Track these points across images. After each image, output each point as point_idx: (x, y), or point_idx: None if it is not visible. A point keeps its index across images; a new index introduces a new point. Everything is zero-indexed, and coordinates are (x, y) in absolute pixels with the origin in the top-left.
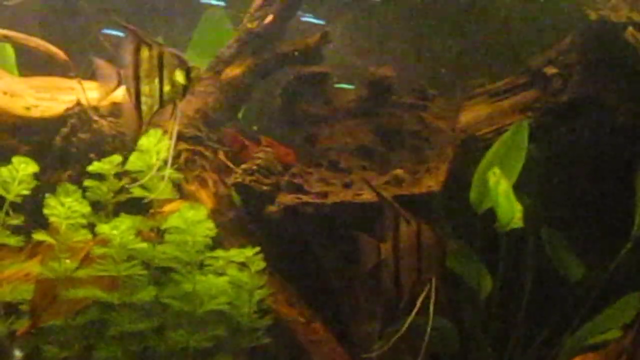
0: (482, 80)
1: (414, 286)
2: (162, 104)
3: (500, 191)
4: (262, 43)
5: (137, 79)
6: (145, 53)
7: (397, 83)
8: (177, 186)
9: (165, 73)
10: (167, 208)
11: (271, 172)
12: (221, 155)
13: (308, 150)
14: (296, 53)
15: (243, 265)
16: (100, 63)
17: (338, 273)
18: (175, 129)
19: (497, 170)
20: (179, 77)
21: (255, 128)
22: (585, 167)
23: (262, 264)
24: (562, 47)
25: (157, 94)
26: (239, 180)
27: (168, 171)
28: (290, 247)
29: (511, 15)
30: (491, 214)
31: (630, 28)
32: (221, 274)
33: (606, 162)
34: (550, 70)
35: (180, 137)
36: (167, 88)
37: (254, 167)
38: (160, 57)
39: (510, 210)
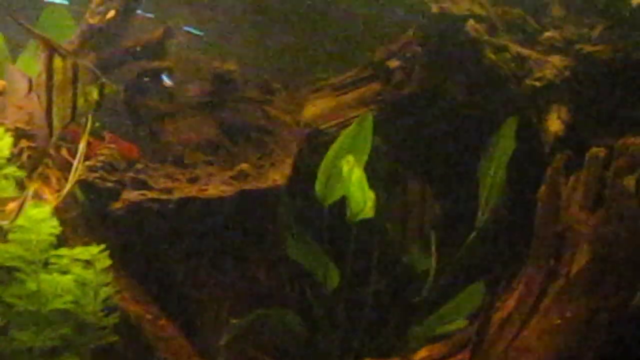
0: (326, 74)
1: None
2: (74, 117)
3: (353, 180)
4: (104, 38)
5: (49, 89)
6: (58, 63)
7: (241, 77)
8: (20, 184)
9: (79, 87)
10: (9, 207)
11: (115, 169)
12: (64, 153)
13: (152, 146)
14: (139, 48)
15: (88, 263)
16: (12, 69)
17: (184, 268)
18: (82, 147)
19: (351, 158)
20: (93, 92)
21: (97, 124)
22: (430, 158)
23: (108, 262)
24: (404, 40)
25: (69, 106)
26: (83, 177)
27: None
28: (136, 243)
29: (355, 8)
30: (339, 206)
31: (471, 21)
32: (66, 273)
33: (450, 153)
34: (393, 64)
35: (23, 135)
36: (80, 101)
37: (98, 164)
38: (75, 70)
39: (363, 200)
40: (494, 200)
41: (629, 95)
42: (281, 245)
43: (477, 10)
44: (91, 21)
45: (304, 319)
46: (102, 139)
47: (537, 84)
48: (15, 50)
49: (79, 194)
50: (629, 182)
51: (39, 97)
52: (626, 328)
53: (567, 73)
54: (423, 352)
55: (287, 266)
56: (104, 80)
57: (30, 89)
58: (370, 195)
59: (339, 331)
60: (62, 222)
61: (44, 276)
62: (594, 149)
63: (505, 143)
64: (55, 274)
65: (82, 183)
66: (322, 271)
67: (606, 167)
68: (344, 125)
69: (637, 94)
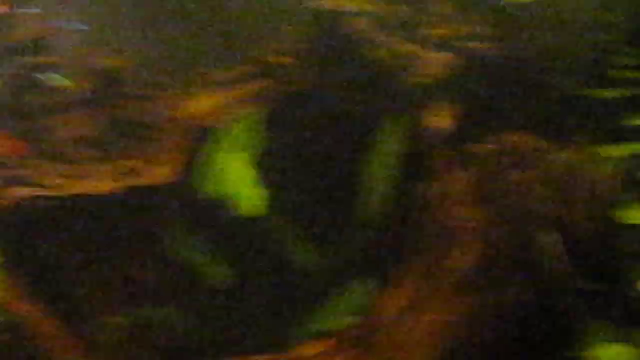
0: (214, 70)
1: None
2: None
3: (243, 177)
4: None
5: None
6: None
7: (129, 73)
8: None
9: None
10: None
11: (2, 166)
12: None
13: (40, 142)
14: (24, 44)
15: None
16: None
17: (71, 266)
18: None
19: (240, 155)
20: None
21: None
22: (315, 154)
23: None
24: (291, 37)
25: None
26: None
27: None
28: (23, 241)
29: (243, 5)
30: (228, 203)
31: (358, 17)
32: None
33: (334, 150)
34: (279, 60)
35: None
36: None
37: None
38: None
39: (253, 196)
40: (378, 197)
41: (515, 93)
42: (169, 242)
43: (365, 6)
44: None
45: (191, 317)
46: None
47: (423, 80)
48: None
49: None
50: (527, 179)
51: None
52: (509, 325)
53: (453, 70)
54: (310, 348)
55: (176, 263)
56: None
57: None
58: (260, 192)
59: (227, 328)
60: None
61: None
62: (480, 146)
63: (389, 140)
64: None
65: None
66: (211, 268)
67: (492, 164)
68: (232, 121)
69: (522, 91)
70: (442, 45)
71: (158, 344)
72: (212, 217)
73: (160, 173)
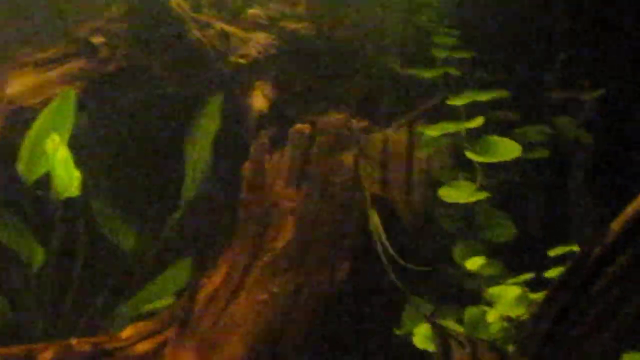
0: (28, 49)
1: None
2: None
3: (57, 158)
4: None
5: None
6: None
7: None
8: None
9: None
10: None
11: None
12: None
13: None
14: None
15: None
16: None
17: None
18: None
19: (56, 137)
20: None
21: None
22: (134, 136)
23: None
24: (109, 16)
25: None
26: None
27: None
28: None
29: None
30: (43, 185)
31: None
32: None
33: (154, 131)
34: (97, 40)
35: None
36: None
37: None
38: None
39: (67, 178)
40: (199, 177)
41: (335, 73)
42: None
43: None
44: None
45: (9, 300)
46: None
47: (241, 61)
48: None
49: None
50: (346, 159)
51: None
52: (330, 304)
53: (271, 50)
54: (129, 330)
55: None
56: None
57: None
58: (76, 173)
59: (45, 311)
60: None
61: None
62: (298, 126)
63: (209, 120)
64: None
65: None
66: (27, 250)
67: (310, 144)
68: (48, 102)
69: (343, 70)
70: (263, 26)
71: None
72: (27, 198)
73: None
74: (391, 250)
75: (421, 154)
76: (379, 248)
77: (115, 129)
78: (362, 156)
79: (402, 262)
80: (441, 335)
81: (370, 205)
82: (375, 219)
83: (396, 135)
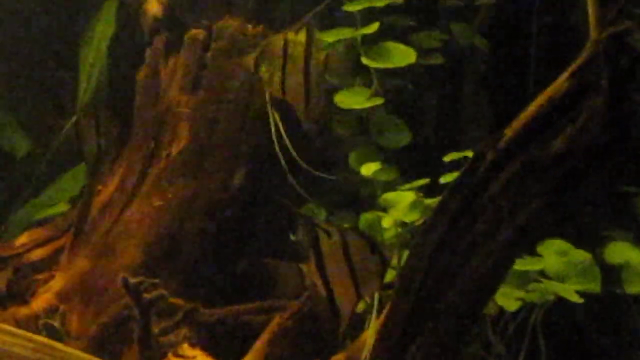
0: None
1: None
2: None
3: None
4: None
5: None
6: None
7: None
8: None
9: None
10: None
11: None
12: None
13: None
14: None
15: None
16: None
17: None
18: None
19: None
20: None
21: None
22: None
23: None
24: None
25: None
26: None
27: None
28: None
29: None
30: None
31: None
32: None
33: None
34: None
35: None
36: None
37: None
38: None
39: None
40: (94, 82)
41: None
42: None
43: None
44: None
45: None
46: None
47: None
48: None
49: None
50: (244, 62)
51: None
52: (226, 210)
53: None
54: (24, 238)
55: None
56: None
57: None
58: None
59: None
60: None
61: None
62: (193, 31)
63: (105, 25)
64: None
65: None
66: None
67: (205, 49)
68: None
69: None
70: None
71: None
72: None
73: None
74: (292, 151)
75: (319, 58)
76: (278, 150)
77: (11, 33)
78: (262, 58)
79: (302, 163)
80: (308, 226)
81: (271, 107)
82: (275, 118)
83: (295, 37)
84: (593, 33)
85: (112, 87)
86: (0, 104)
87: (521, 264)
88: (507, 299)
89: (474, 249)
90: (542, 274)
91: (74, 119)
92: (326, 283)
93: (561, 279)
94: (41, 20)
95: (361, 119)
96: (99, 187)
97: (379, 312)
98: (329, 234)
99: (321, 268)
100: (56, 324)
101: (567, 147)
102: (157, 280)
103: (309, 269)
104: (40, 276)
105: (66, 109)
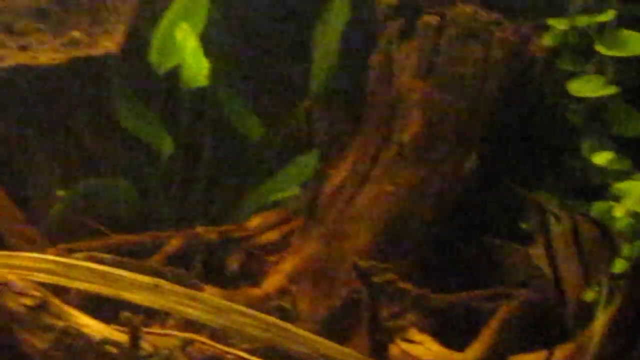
0: None
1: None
2: None
3: (187, 47)
4: None
5: None
6: None
7: None
8: None
9: None
10: None
11: None
12: None
13: None
14: None
15: None
16: None
17: (15, 139)
18: None
19: (185, 25)
20: None
21: None
22: (262, 26)
23: None
24: None
25: None
26: None
27: None
28: None
29: None
30: (173, 75)
31: None
32: None
33: (282, 21)
34: None
35: None
36: None
37: None
38: None
39: (197, 68)
40: (326, 69)
41: None
42: (114, 113)
43: None
44: None
45: (137, 188)
46: None
47: None
48: None
49: None
50: (476, 50)
51: None
52: (456, 195)
53: None
54: (257, 220)
55: (120, 134)
56: None
57: None
58: (205, 63)
59: (173, 200)
60: None
61: None
62: (427, 17)
63: (338, 12)
64: None
65: None
66: (156, 139)
67: (439, 35)
68: None
69: None
70: None
71: (108, 214)
72: (157, 87)
73: (102, 44)
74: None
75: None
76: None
77: (243, 19)
78: (488, 51)
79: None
80: (538, 209)
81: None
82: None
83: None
84: None
85: (344, 72)
86: (238, 91)
87: None
88: None
89: None
90: None
91: (306, 104)
92: (554, 267)
93: None
94: (274, 8)
95: (594, 107)
96: (331, 171)
97: (608, 301)
98: (558, 219)
99: (550, 252)
100: (287, 305)
101: None
102: (387, 265)
103: (536, 253)
104: (271, 258)
105: (298, 94)
